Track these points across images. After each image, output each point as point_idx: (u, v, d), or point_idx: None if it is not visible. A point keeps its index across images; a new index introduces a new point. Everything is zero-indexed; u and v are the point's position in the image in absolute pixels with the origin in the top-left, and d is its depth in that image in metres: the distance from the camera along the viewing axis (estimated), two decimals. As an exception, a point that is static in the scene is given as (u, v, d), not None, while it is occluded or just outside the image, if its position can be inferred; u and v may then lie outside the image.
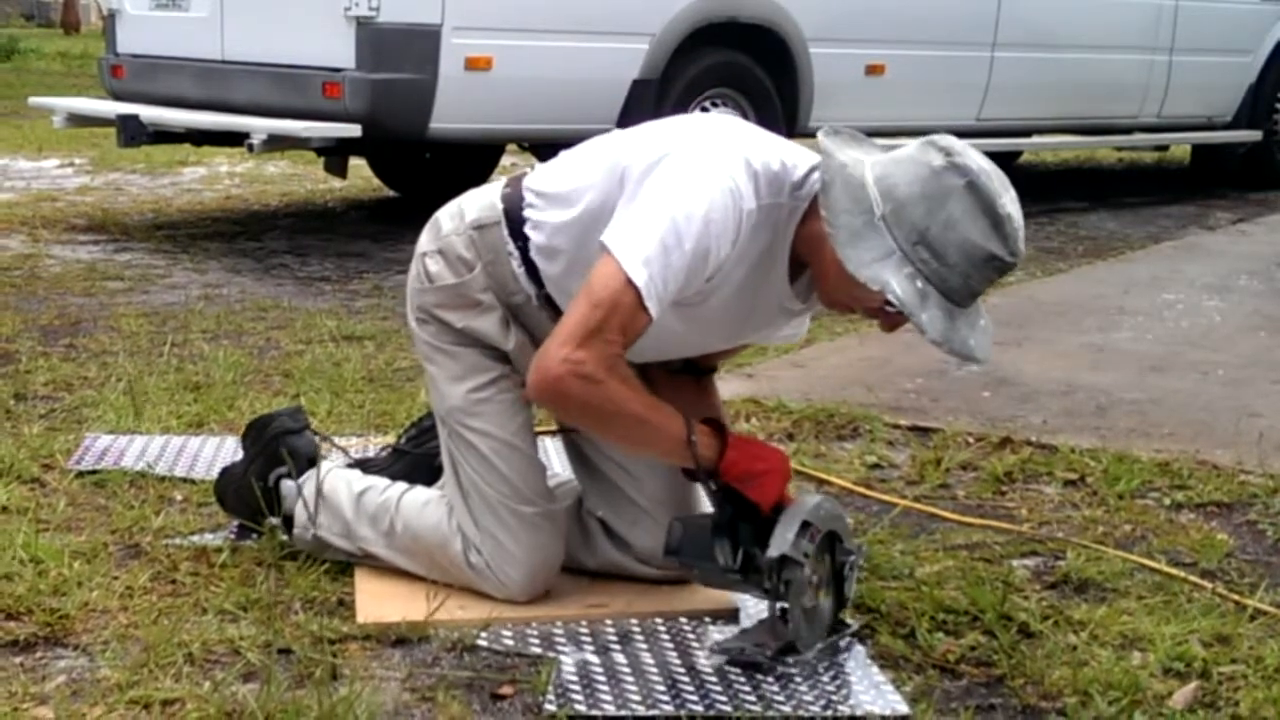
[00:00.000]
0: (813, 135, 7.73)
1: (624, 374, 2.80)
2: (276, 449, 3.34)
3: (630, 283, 2.68)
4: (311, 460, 3.35)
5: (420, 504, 3.17)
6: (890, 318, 2.85)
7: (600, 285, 2.71)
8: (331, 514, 3.23)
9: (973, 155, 2.78)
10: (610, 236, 2.75)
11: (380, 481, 3.28)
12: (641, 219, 2.74)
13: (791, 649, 2.85)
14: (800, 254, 2.91)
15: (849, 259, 2.71)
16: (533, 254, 3.00)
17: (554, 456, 3.71)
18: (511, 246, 3.02)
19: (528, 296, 3.04)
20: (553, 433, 3.39)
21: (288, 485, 3.31)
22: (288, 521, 3.29)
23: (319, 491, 3.24)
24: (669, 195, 2.75)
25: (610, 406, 2.78)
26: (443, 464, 3.17)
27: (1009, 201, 2.76)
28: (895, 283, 2.70)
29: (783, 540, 2.81)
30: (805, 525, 2.83)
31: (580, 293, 2.74)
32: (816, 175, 2.84)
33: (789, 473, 3.01)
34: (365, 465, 3.48)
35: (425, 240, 3.15)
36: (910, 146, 2.83)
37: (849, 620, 2.99)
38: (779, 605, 2.87)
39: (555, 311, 3.02)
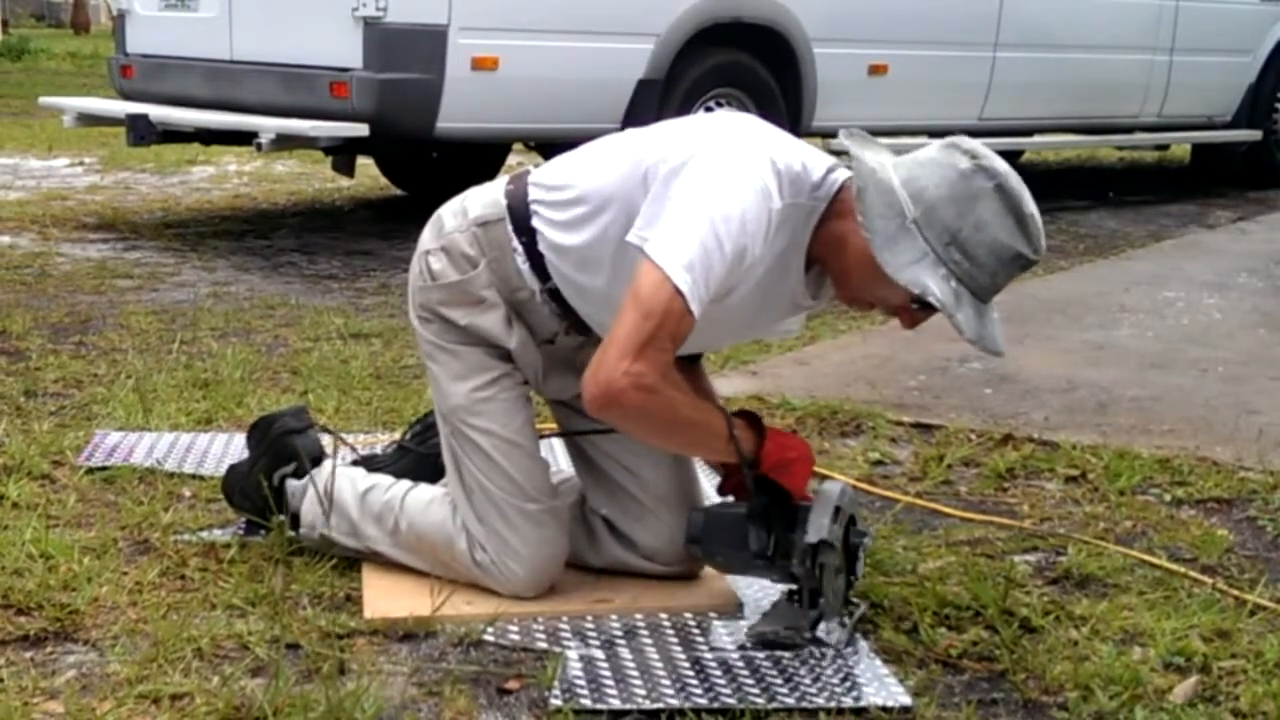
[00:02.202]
0: (816, 135, 7.76)
1: (675, 380, 2.84)
2: (280, 449, 3.36)
3: (677, 289, 2.70)
4: (315, 459, 3.36)
5: (424, 503, 3.19)
6: (913, 316, 2.93)
7: (648, 294, 2.72)
8: (337, 513, 3.25)
9: (995, 157, 2.85)
10: (649, 242, 2.75)
11: (384, 480, 3.29)
12: (679, 222, 2.75)
13: (818, 628, 2.93)
14: (817, 254, 2.95)
15: (888, 263, 2.77)
16: (541, 247, 3.02)
17: (558, 453, 3.73)
18: (516, 242, 3.04)
19: (531, 293, 3.06)
20: (555, 434, 3.41)
21: (292, 485, 3.33)
22: (294, 520, 3.31)
23: (325, 492, 3.26)
24: (704, 197, 2.77)
25: (668, 414, 2.82)
26: (444, 462, 3.19)
27: (1030, 201, 2.83)
28: (933, 285, 2.76)
29: (820, 526, 2.88)
30: (837, 510, 2.90)
31: (627, 302, 2.74)
32: (833, 177, 2.91)
33: (814, 459, 3.08)
34: (371, 462, 3.49)
35: (428, 238, 3.16)
36: (931, 149, 2.89)
37: (855, 600, 3.04)
38: (808, 588, 2.93)
39: (559, 307, 3.05)
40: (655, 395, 2.75)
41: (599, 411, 2.79)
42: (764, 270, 2.88)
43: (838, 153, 3.04)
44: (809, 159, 2.92)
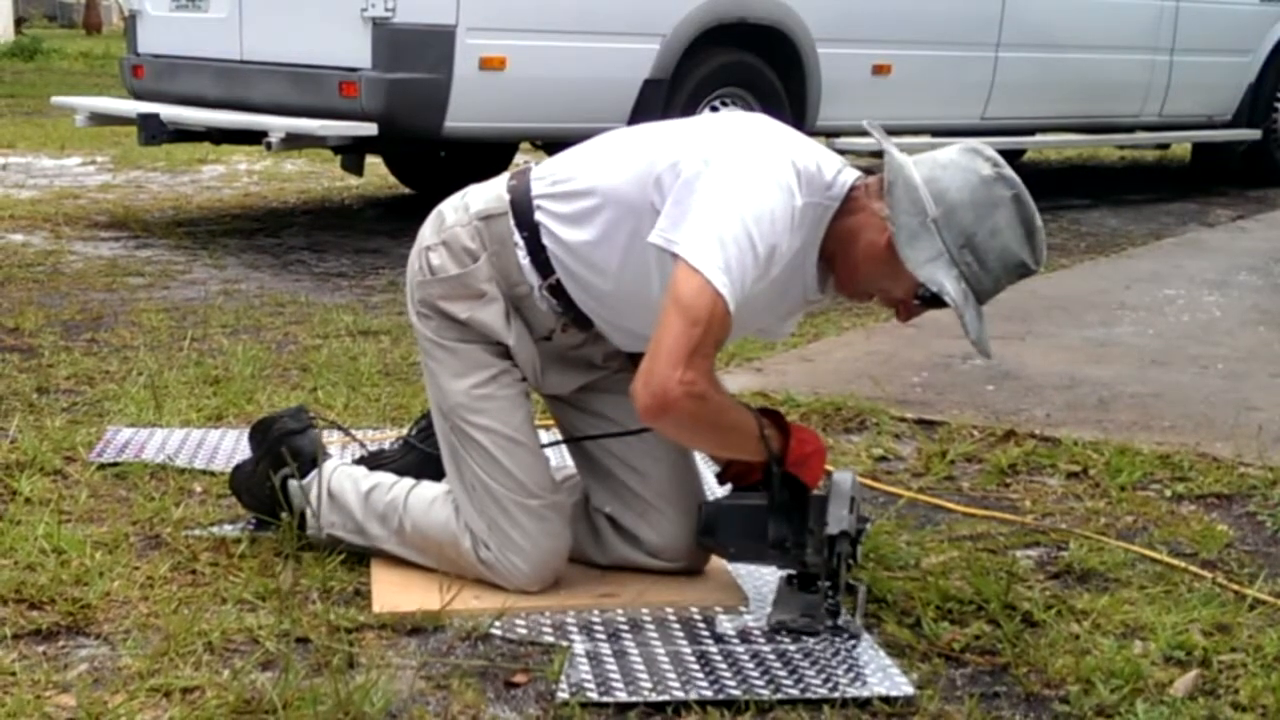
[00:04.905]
0: (820, 134, 7.75)
1: (717, 382, 2.91)
2: (279, 452, 3.36)
3: (718, 293, 2.73)
4: (314, 460, 3.36)
5: (427, 501, 3.20)
6: (912, 310, 3.00)
7: (691, 300, 2.74)
8: (341, 512, 3.26)
9: (1009, 167, 2.91)
10: (680, 245, 2.78)
11: (386, 478, 3.30)
12: (710, 224, 2.78)
13: (835, 614, 2.98)
14: (828, 250, 2.99)
15: (909, 259, 2.84)
16: (545, 241, 3.04)
17: (562, 449, 3.75)
18: (518, 236, 3.06)
19: (530, 289, 3.08)
20: (557, 443, 3.44)
21: (294, 486, 3.34)
22: (300, 519, 3.32)
23: (328, 492, 3.28)
24: (733, 198, 2.80)
25: (714, 419, 2.87)
26: (443, 459, 3.20)
27: (1039, 215, 2.90)
28: (948, 284, 2.83)
29: (839, 518, 2.94)
30: (852, 501, 2.96)
31: (669, 309, 2.76)
32: (842, 178, 2.96)
33: (826, 452, 3.12)
34: (378, 458, 3.52)
35: (428, 233, 3.17)
36: (951, 151, 2.94)
37: (854, 580, 3.09)
38: (824, 576, 2.99)
39: (559, 303, 3.08)
40: (706, 402, 2.80)
41: (652, 420, 2.82)
42: (780, 268, 2.91)
43: (842, 152, 3.09)
44: (822, 159, 2.97)
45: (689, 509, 3.16)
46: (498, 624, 2.97)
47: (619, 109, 7.59)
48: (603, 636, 2.94)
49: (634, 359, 2.94)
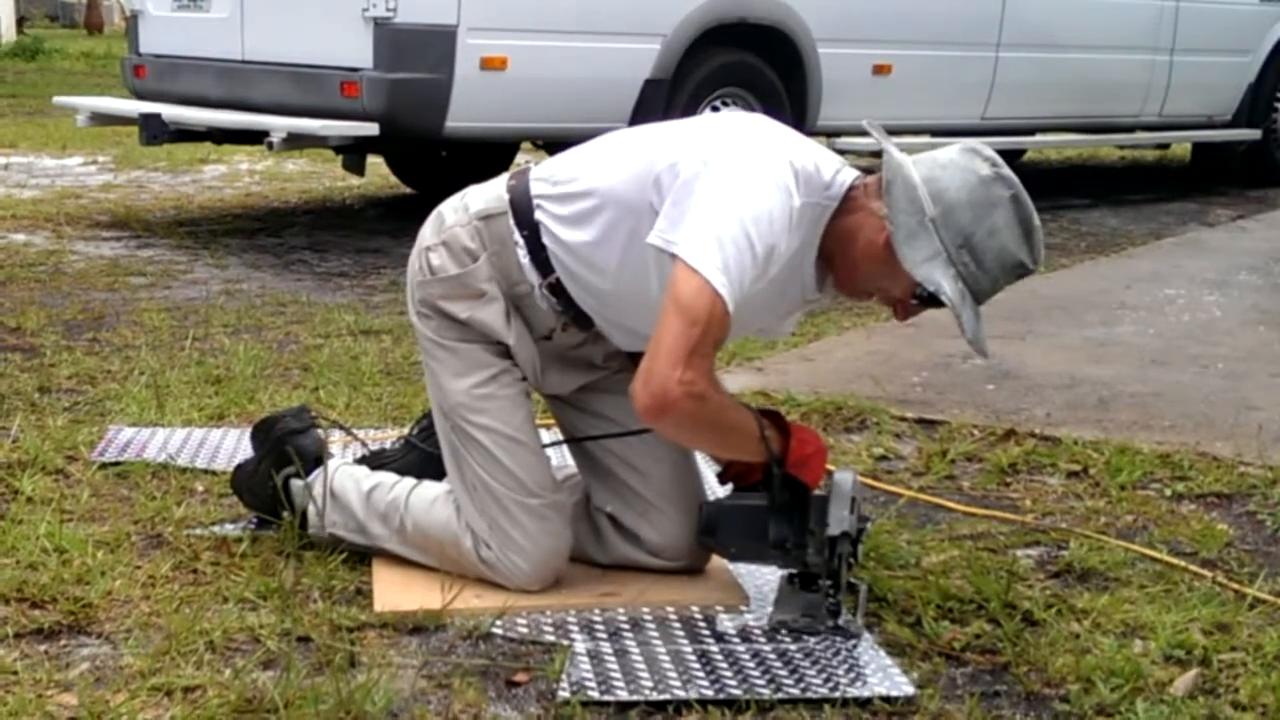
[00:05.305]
0: (820, 134, 7.75)
1: (717, 383, 2.91)
2: (281, 451, 3.37)
3: (717, 293, 2.74)
4: (318, 458, 3.37)
5: (429, 501, 3.21)
6: (909, 310, 3.01)
7: (690, 300, 2.75)
8: (343, 512, 3.27)
9: (1008, 167, 2.92)
10: (679, 245, 2.79)
11: (388, 478, 3.31)
12: (709, 224, 2.78)
13: (836, 614, 2.99)
14: (827, 249, 3.00)
15: (906, 258, 2.84)
16: (545, 241, 3.04)
17: (563, 448, 3.75)
18: (518, 235, 3.06)
19: (531, 288, 3.08)
20: (558, 443, 3.44)
21: (297, 485, 3.35)
22: (302, 518, 3.33)
23: (331, 492, 3.29)
24: (731, 198, 2.81)
25: (714, 419, 2.88)
26: (444, 458, 3.21)
27: (1037, 215, 2.91)
28: (945, 283, 2.84)
29: (840, 518, 2.94)
30: (853, 501, 2.96)
31: (669, 309, 2.77)
32: (840, 177, 2.96)
33: (827, 452, 3.13)
34: (379, 457, 3.52)
35: (428, 234, 3.18)
36: (951, 151, 2.95)
37: (855, 579, 3.10)
38: (825, 576, 3.00)
39: (559, 302, 3.08)
40: (706, 402, 2.80)
41: (652, 420, 2.83)
42: (778, 268, 2.91)
43: (842, 151, 3.09)
44: (820, 159, 2.97)
45: (690, 509, 3.17)
46: (499, 623, 2.97)
47: (620, 109, 7.60)
48: (604, 635, 2.94)
49: (634, 359, 2.94)
